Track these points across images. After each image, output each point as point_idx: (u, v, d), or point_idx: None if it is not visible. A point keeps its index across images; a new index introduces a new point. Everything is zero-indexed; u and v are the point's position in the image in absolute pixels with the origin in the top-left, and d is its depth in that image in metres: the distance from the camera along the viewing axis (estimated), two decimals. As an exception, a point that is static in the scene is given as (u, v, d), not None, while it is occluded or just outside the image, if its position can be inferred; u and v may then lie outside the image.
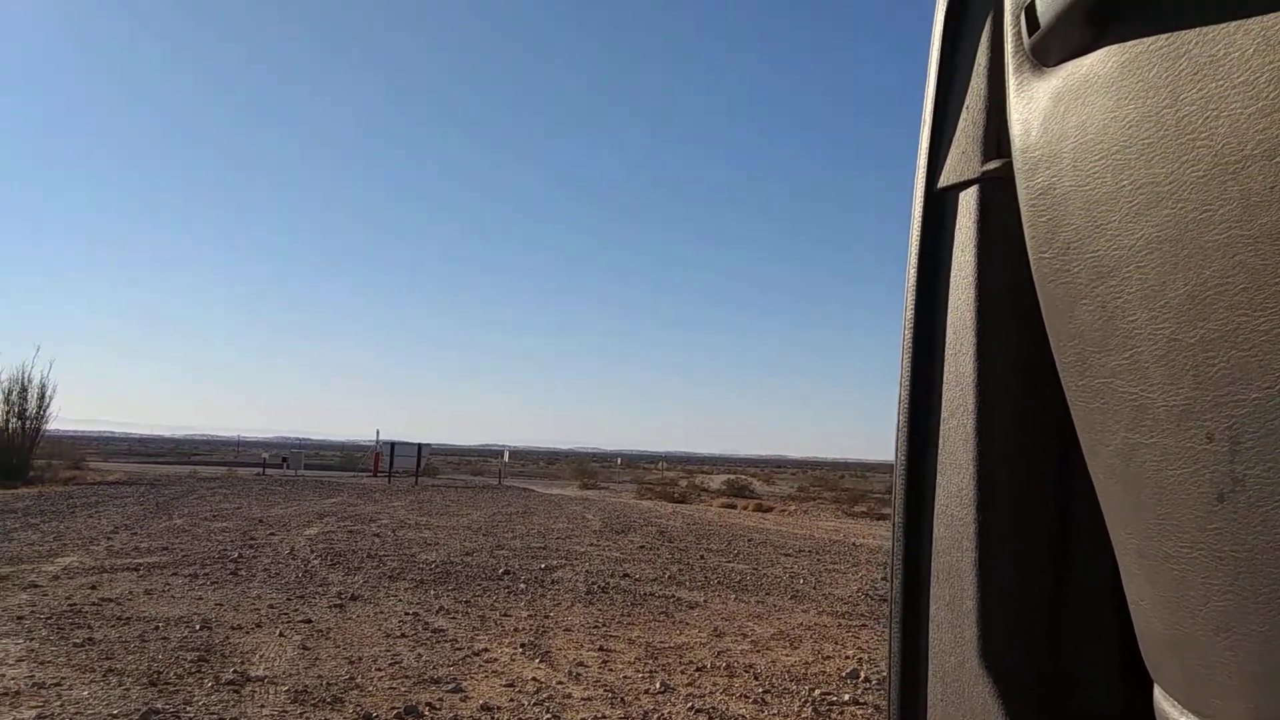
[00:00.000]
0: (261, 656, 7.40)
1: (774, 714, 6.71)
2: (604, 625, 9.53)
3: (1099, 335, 0.80)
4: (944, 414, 1.20)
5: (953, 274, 1.18)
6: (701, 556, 16.38)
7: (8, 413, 31.17)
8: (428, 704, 6.37)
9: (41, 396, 32.53)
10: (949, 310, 1.19)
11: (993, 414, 1.13)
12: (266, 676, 6.81)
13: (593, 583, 12.41)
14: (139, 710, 5.79)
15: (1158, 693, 0.86)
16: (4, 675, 6.39)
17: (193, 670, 6.84)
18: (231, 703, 6.12)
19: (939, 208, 1.21)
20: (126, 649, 7.37)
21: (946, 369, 1.19)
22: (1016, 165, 0.91)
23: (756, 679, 7.64)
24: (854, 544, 20.67)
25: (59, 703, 5.86)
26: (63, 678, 6.44)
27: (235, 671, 6.85)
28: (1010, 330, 1.12)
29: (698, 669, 7.84)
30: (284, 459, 51.74)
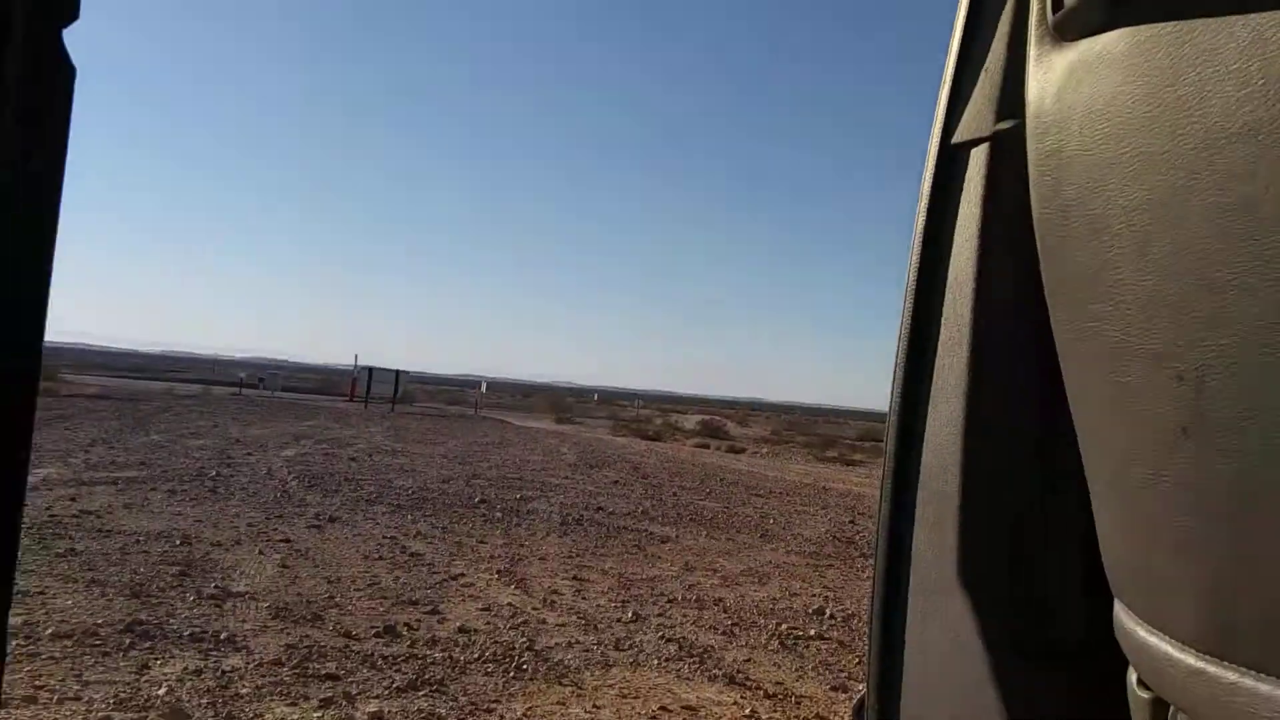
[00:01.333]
0: (242, 573, 7.54)
1: (741, 645, 6.92)
2: (578, 556, 9.72)
3: (1089, 284, 0.89)
4: (940, 349, 1.30)
5: (958, 223, 1.28)
6: (674, 494, 16.62)
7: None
8: (406, 624, 6.53)
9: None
10: (952, 256, 1.29)
11: (985, 350, 1.24)
12: (247, 592, 6.95)
13: (567, 514, 12.60)
14: (123, 620, 5.92)
15: (1118, 608, 0.96)
16: (-12, 581, 6.49)
17: (174, 584, 6.97)
18: (214, 616, 6.26)
19: (951, 162, 1.30)
20: (108, 561, 7.48)
21: (946, 308, 1.29)
22: (1029, 128, 0.99)
23: (725, 612, 7.86)
24: (824, 488, 20.97)
25: (44, 611, 5.97)
26: (46, 587, 6.55)
27: (216, 586, 6.99)
28: (1007, 276, 1.21)
29: (669, 600, 8.05)
30: (260, 380, 51.58)
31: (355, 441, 21.72)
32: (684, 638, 6.92)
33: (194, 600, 6.57)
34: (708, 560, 10.24)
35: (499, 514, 12.09)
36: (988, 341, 1.24)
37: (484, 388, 58.05)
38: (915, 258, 1.34)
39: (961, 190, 1.27)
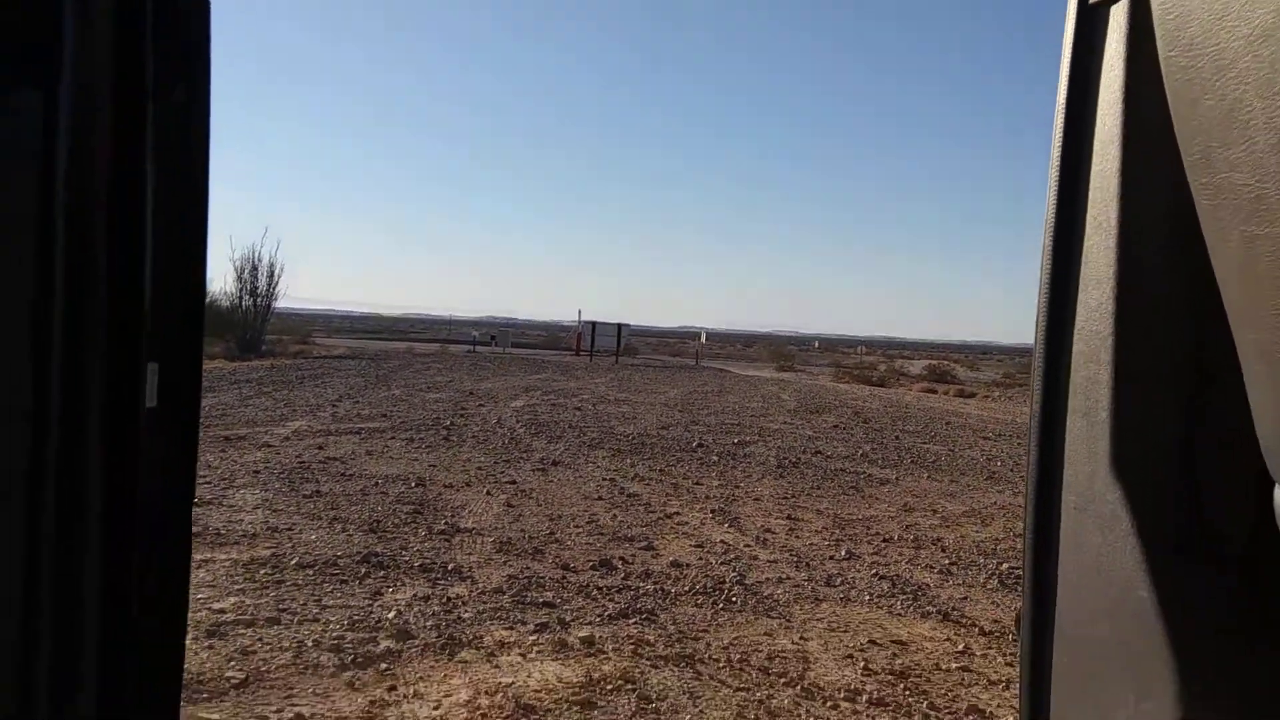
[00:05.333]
0: (470, 511, 7.96)
1: (958, 584, 6.74)
2: (793, 497, 9.71)
3: (1220, 129, 0.81)
4: (1088, 230, 1.22)
5: (1102, 87, 1.19)
6: (896, 437, 16.28)
7: (240, 290, 33.80)
8: (621, 559, 6.73)
9: (270, 275, 35.02)
10: (1097, 129, 1.20)
11: (1134, 230, 1.15)
12: (474, 528, 7.34)
13: (784, 458, 12.59)
14: (360, 552, 6.38)
15: (1277, 492, 0.89)
16: (243, 520, 7.14)
17: (408, 521, 7.45)
18: (443, 549, 6.65)
19: (1090, 23, 1.21)
20: (349, 501, 8.08)
21: (1093, 185, 1.20)
22: None
23: (943, 551, 7.67)
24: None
25: (290, 544, 6.52)
26: (293, 524, 7.13)
27: (446, 523, 7.42)
28: (1155, 148, 1.12)
29: (884, 540, 7.93)
30: (492, 337, 54.04)
31: (580, 392, 22.40)
32: (898, 575, 6.81)
33: (425, 535, 7.00)
34: (928, 502, 10.00)
35: (715, 458, 12.22)
36: (1135, 222, 1.15)
37: (703, 338, 58.51)
38: (1059, 134, 1.26)
39: (1103, 53, 1.19)
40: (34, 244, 1.10)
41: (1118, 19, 1.16)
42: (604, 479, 9.99)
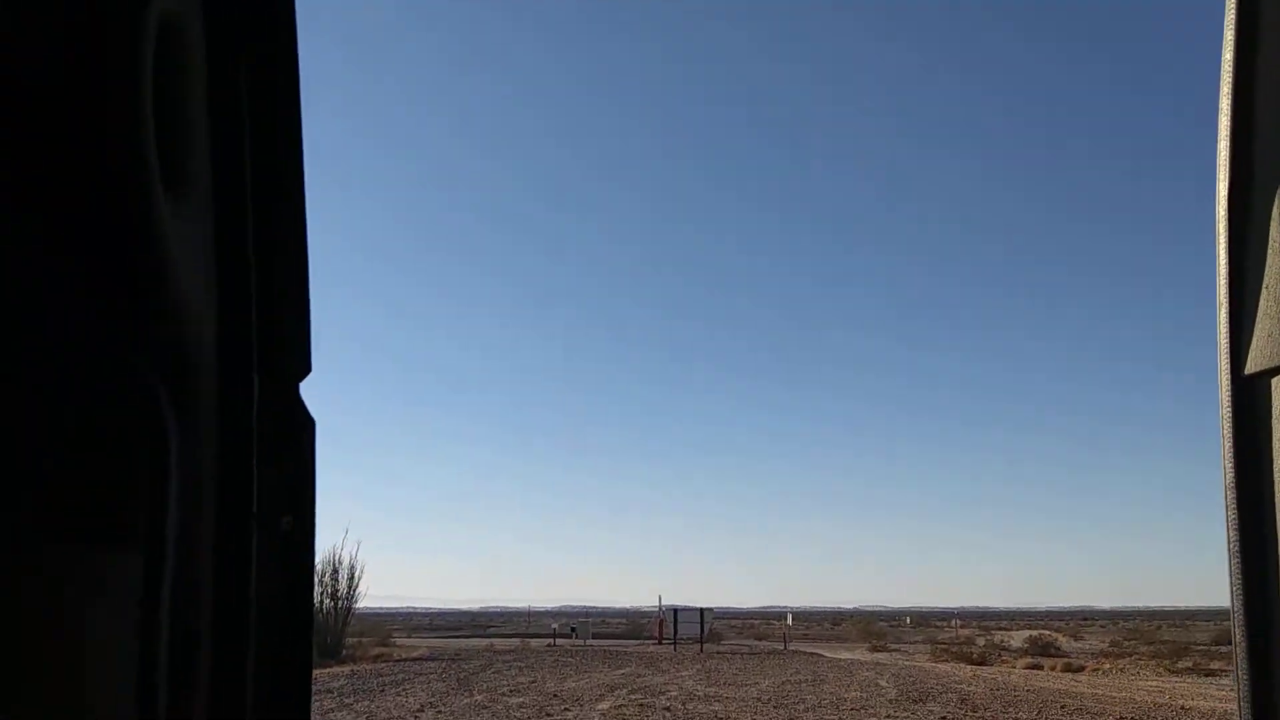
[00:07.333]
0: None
1: None
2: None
3: None
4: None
5: (1276, 464, 1.10)
6: (1011, 728, 15.19)
7: (321, 594, 33.61)
8: None
9: (351, 577, 35.03)
10: (1276, 501, 1.10)
11: None
12: None
13: (895, 761, 11.73)
14: None
15: None
16: None
17: None
18: None
19: (1249, 395, 1.13)
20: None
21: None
22: None
23: None
24: (1182, 707, 18.59)
25: None
26: None
27: None
28: None
29: None
30: (573, 629, 52.95)
31: (668, 689, 21.50)
32: None
33: None
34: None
35: (821, 763, 11.42)
36: None
37: (790, 620, 56.70)
38: (1231, 512, 1.16)
39: (1270, 430, 1.10)
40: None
41: None
42: (705, 797, 9.32)
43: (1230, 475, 1.17)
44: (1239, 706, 1.18)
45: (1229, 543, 1.18)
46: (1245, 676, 1.16)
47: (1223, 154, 1.13)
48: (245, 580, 1.13)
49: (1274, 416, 1.11)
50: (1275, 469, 1.11)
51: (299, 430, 1.22)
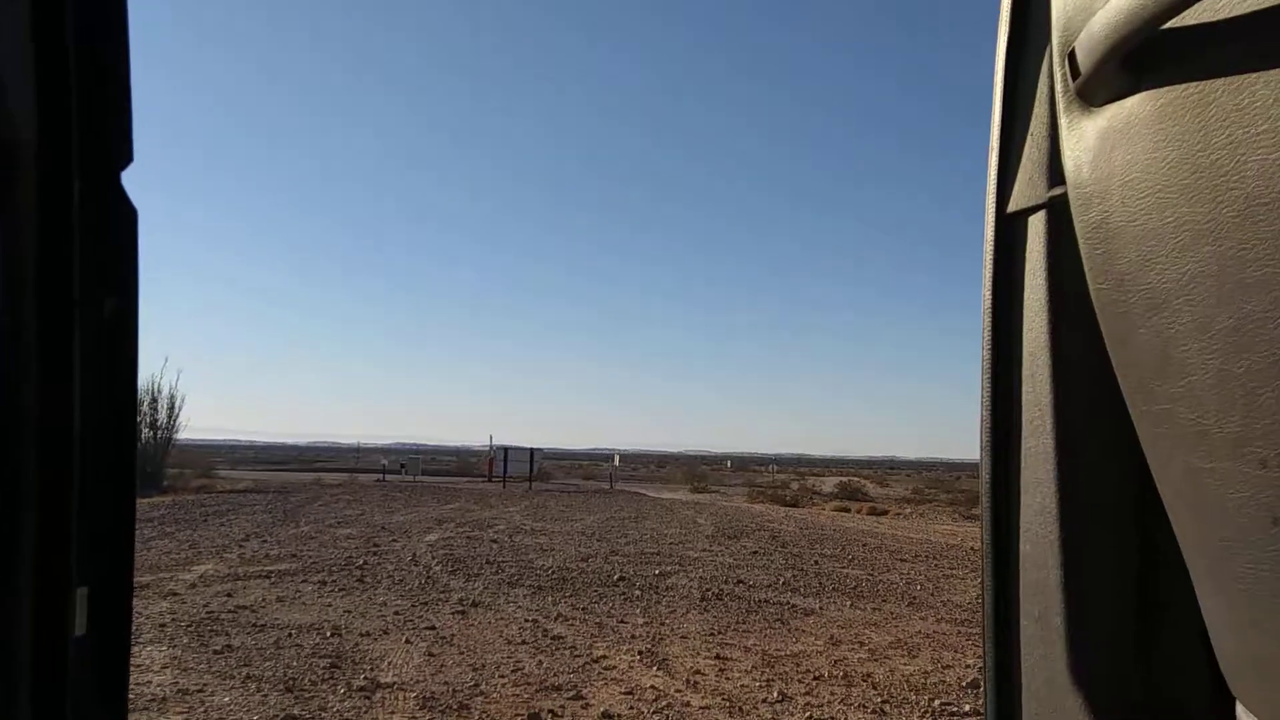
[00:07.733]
0: (390, 663, 7.67)
1: (894, 725, 6.67)
2: (719, 633, 9.58)
3: (1156, 364, 0.83)
4: (1024, 434, 1.22)
5: (1026, 297, 1.21)
6: (815, 562, 16.28)
7: (139, 423, 32.64)
8: (550, 711, 6.52)
9: (171, 407, 34.12)
10: (1024, 333, 1.21)
11: (1071, 433, 1.15)
12: (395, 683, 7.06)
13: (707, 589, 12.47)
14: (278, 716, 6.07)
15: (1240, 710, 0.87)
16: (150, 682, 6.76)
17: (325, 677, 7.13)
18: (364, 709, 6.36)
19: (1010, 232, 1.24)
20: (263, 656, 7.72)
21: (1025, 391, 1.21)
22: (1071, 198, 0.94)
23: (874, 688, 7.60)
24: (972, 548, 20.25)
25: (203, 709, 6.18)
26: (204, 684, 6.78)
27: (366, 678, 7.12)
28: (1085, 350, 1.13)
29: (815, 678, 7.83)
30: (402, 465, 53.16)
31: (495, 523, 22.02)
32: (832, 718, 6.71)
33: (344, 693, 6.70)
34: (854, 632, 9.96)
35: (638, 591, 12.04)
36: (1074, 423, 1.16)
37: (617, 460, 58.36)
38: (987, 336, 1.28)
39: (1024, 263, 1.21)
40: None
41: (1036, 229, 1.19)
42: (526, 620, 9.74)
43: (988, 303, 1.28)
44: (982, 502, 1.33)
45: (982, 363, 1.30)
46: (988, 494, 1.30)
47: (1004, 12, 1.22)
48: (68, 364, 1.15)
49: (1028, 250, 1.22)
50: (1025, 298, 1.23)
51: (120, 219, 1.22)
